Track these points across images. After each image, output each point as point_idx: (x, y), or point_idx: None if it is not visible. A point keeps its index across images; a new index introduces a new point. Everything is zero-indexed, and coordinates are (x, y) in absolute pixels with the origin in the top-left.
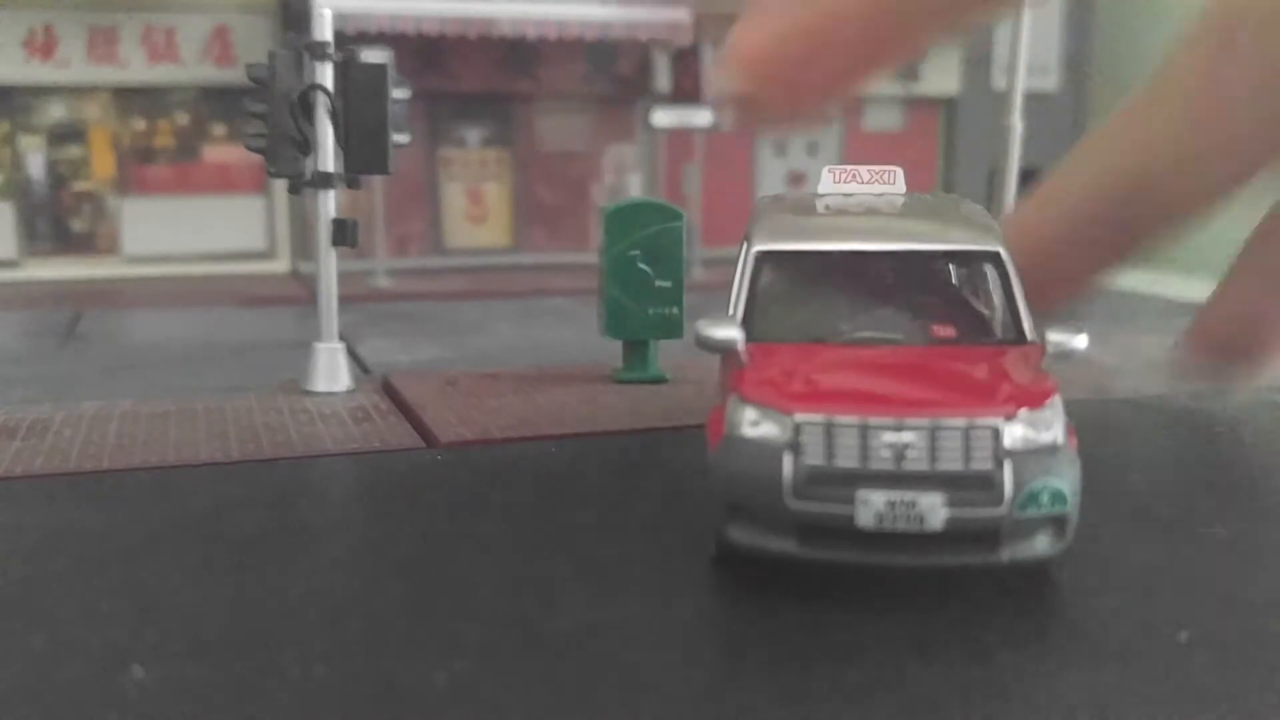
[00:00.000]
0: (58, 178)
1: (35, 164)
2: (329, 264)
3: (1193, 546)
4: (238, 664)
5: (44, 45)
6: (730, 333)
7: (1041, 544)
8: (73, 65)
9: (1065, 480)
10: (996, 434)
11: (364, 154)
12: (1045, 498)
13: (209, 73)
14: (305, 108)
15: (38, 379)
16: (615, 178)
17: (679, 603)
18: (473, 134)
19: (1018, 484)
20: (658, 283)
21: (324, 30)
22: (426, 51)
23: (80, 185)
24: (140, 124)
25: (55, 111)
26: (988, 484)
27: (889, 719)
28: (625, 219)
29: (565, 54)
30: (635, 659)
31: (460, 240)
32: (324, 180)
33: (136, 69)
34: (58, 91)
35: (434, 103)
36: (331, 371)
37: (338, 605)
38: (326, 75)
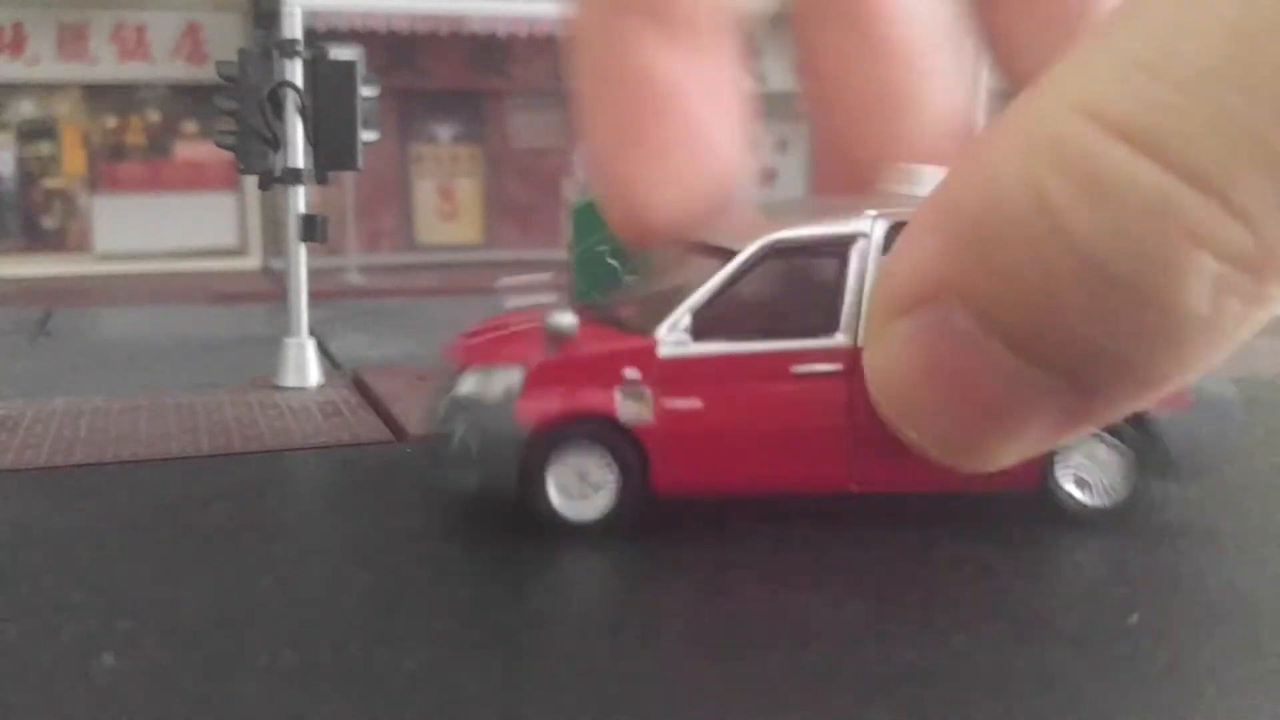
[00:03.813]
0: (28, 175)
1: (5, 161)
2: (299, 260)
3: None
4: (207, 652)
5: (13, 42)
6: None
7: None
8: (42, 62)
9: None
10: None
11: (333, 150)
12: None
13: (180, 70)
14: (275, 105)
15: (8, 376)
16: (586, 174)
17: (641, 589)
18: (444, 131)
19: None
20: (626, 278)
21: (294, 28)
22: (397, 48)
23: (51, 183)
24: (111, 121)
25: (25, 108)
26: None
27: (846, 700)
28: (594, 215)
29: (536, 51)
30: (596, 644)
31: (432, 236)
32: (293, 176)
33: (107, 66)
34: (27, 88)
35: (405, 100)
36: (301, 367)
37: (306, 594)
38: (296, 72)
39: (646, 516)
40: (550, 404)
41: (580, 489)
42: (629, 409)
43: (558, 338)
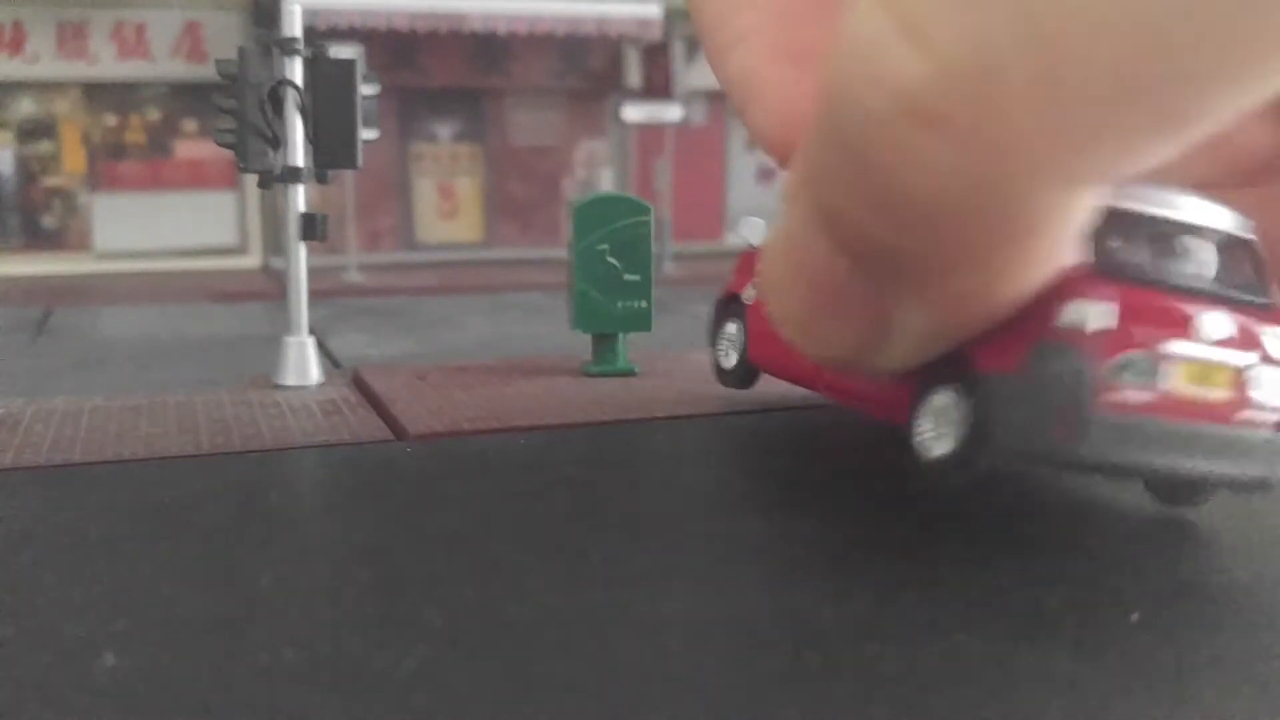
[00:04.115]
0: (28, 174)
1: (5, 160)
2: (298, 258)
3: None
4: (208, 650)
5: (13, 40)
6: None
7: None
8: (42, 60)
9: None
10: None
11: (333, 149)
12: None
13: (180, 68)
14: (275, 103)
15: (9, 375)
16: (586, 173)
17: (640, 590)
18: (444, 129)
19: None
20: (626, 277)
21: (294, 26)
22: (397, 47)
23: (51, 181)
24: (111, 120)
25: (25, 107)
26: None
27: (849, 698)
28: (594, 213)
29: (536, 49)
30: (596, 645)
31: (432, 235)
32: (293, 175)
33: (107, 64)
34: (27, 87)
35: (405, 98)
36: (301, 365)
37: (306, 592)
38: (296, 71)
39: (644, 519)
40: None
41: None
42: (750, 291)
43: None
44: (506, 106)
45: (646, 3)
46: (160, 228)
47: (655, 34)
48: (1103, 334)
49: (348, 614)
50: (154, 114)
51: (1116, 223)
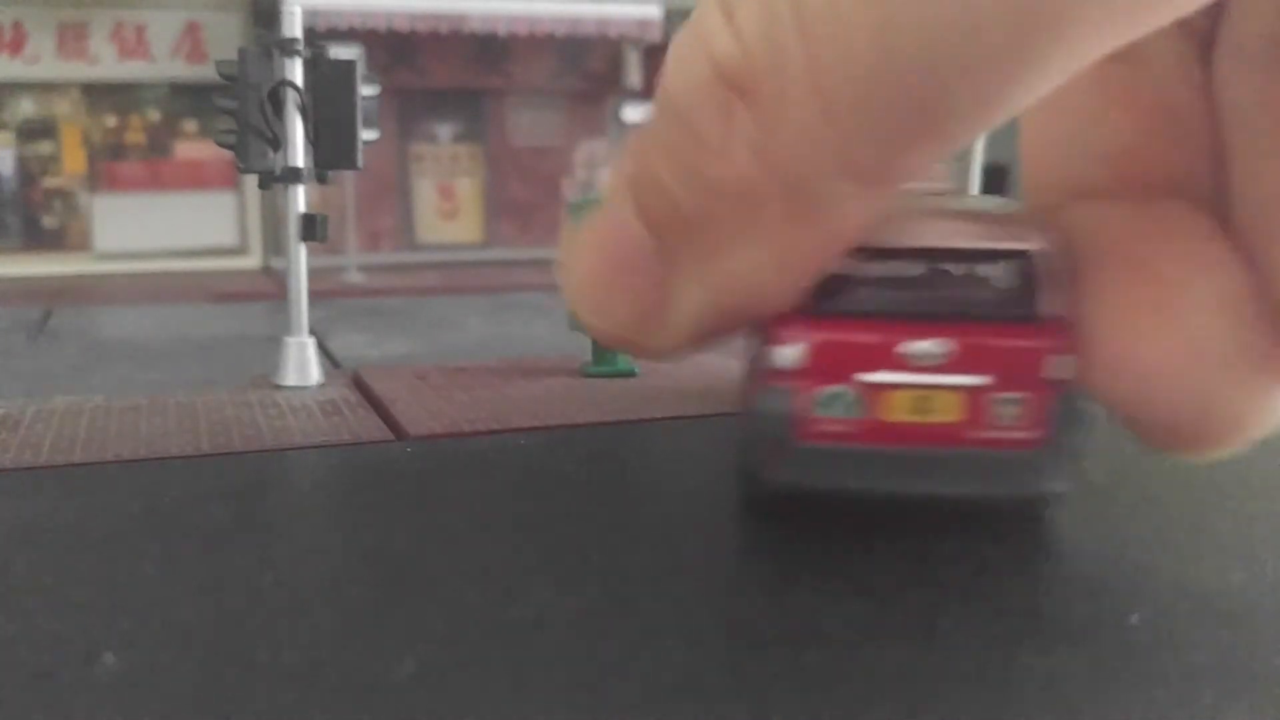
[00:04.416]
0: (28, 174)
1: (5, 160)
2: (299, 259)
3: None
4: (209, 650)
5: (13, 41)
6: None
7: None
8: (42, 61)
9: None
10: None
11: (333, 150)
12: None
13: (180, 69)
14: (275, 104)
15: (9, 375)
16: (587, 173)
17: (640, 590)
18: (444, 129)
19: None
20: None
21: (294, 27)
22: (397, 48)
23: (51, 181)
24: (111, 120)
25: (25, 107)
26: None
27: (846, 701)
28: (591, 214)
29: (536, 50)
30: (596, 648)
31: (432, 235)
32: (293, 176)
33: (107, 65)
34: (27, 87)
35: (405, 98)
36: (302, 366)
37: (307, 594)
38: (296, 71)
39: (644, 519)
40: None
41: None
42: None
43: None
44: (507, 107)
45: (646, 3)
46: (160, 228)
47: (655, 35)
48: (797, 373)
49: (348, 614)
50: (154, 114)
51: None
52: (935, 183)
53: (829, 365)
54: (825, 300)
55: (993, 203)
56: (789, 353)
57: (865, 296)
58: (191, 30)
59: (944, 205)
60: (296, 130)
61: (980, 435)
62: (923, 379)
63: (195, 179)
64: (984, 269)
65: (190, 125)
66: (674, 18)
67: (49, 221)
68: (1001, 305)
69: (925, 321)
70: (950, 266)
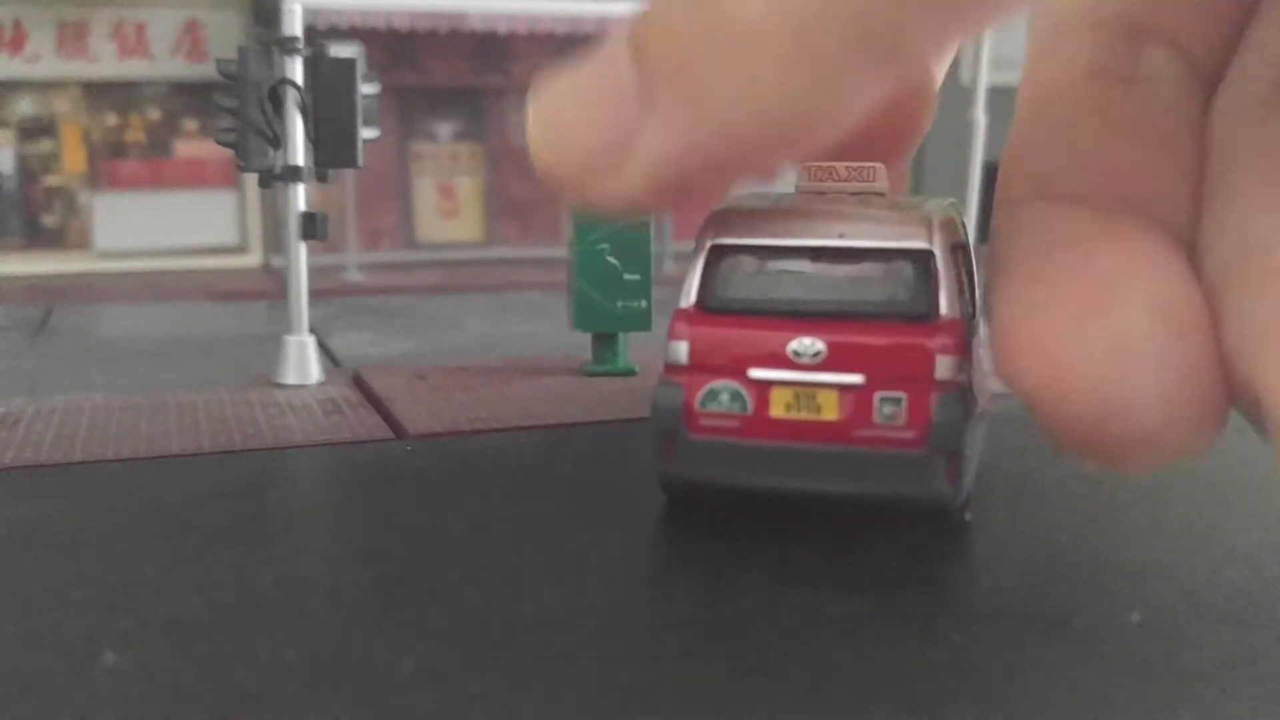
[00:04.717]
0: (28, 173)
1: (5, 159)
2: (299, 258)
3: None
4: (209, 649)
5: (13, 39)
6: None
7: None
8: (42, 59)
9: None
10: None
11: (333, 148)
12: None
13: (180, 67)
14: (275, 102)
15: (9, 373)
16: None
17: (640, 590)
18: (444, 128)
19: None
20: (626, 276)
21: (294, 25)
22: (397, 46)
23: (51, 180)
24: (111, 119)
25: (25, 106)
26: None
27: (846, 699)
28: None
29: (536, 49)
30: (597, 647)
31: (432, 234)
32: (293, 174)
33: (107, 63)
34: (27, 86)
35: (405, 97)
36: (302, 365)
37: (307, 592)
38: (296, 70)
39: (644, 518)
40: None
41: None
42: None
43: None
44: (507, 106)
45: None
46: (160, 227)
47: None
48: (686, 368)
49: (348, 613)
50: (154, 113)
51: (725, 255)
52: (877, 184)
53: (715, 361)
54: (717, 296)
55: (935, 204)
56: (679, 347)
57: (757, 294)
58: (191, 28)
59: (853, 203)
60: (297, 129)
61: (861, 434)
62: (804, 376)
63: (195, 177)
64: (878, 267)
65: (190, 124)
66: None
67: (49, 220)
68: (893, 304)
69: (812, 319)
70: (844, 265)
